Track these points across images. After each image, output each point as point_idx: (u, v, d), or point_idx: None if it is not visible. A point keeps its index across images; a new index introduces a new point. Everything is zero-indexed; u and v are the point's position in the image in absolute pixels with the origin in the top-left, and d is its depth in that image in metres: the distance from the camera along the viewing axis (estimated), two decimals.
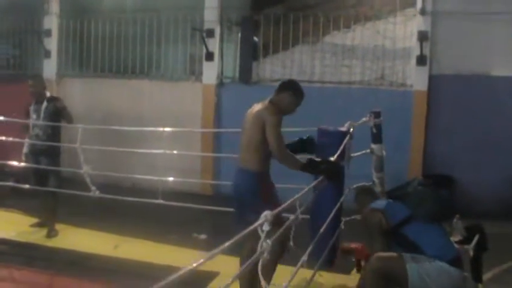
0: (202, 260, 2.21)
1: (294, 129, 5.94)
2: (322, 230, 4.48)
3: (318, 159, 5.07)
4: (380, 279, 4.52)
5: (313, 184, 4.55)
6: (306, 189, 4.13)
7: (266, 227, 2.80)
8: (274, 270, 4.88)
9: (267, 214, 2.85)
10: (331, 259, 5.66)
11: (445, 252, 4.56)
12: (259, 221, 2.81)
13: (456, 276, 4.47)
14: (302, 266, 3.86)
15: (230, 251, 2.44)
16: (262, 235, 2.77)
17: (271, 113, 4.94)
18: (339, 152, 5.16)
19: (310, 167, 4.99)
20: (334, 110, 9.47)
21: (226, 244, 2.42)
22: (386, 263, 4.53)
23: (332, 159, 5.02)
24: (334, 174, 5.01)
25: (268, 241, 2.74)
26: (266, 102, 5.11)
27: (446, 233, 4.89)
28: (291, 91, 5.15)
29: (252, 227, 2.76)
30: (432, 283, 4.36)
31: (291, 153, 5.01)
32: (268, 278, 4.79)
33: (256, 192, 5.04)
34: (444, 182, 9.91)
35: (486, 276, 5.89)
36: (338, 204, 5.15)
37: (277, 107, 5.04)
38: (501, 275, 6.67)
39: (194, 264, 2.15)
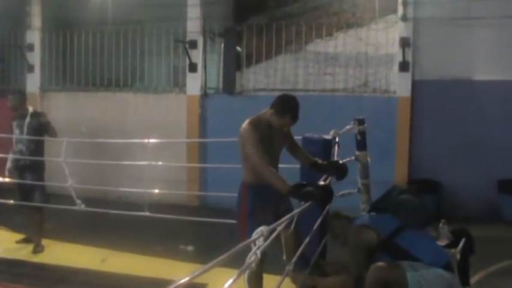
0: (196, 273, 2.20)
1: None
2: (306, 241, 4.44)
3: (304, 183, 4.62)
4: None
5: (297, 211, 4.11)
6: (288, 216, 3.81)
7: (260, 242, 2.80)
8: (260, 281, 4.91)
9: (262, 229, 2.86)
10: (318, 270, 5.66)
11: (439, 258, 4.55)
12: (254, 237, 2.81)
13: (451, 280, 4.48)
14: (287, 275, 3.85)
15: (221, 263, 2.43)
16: (254, 248, 2.76)
17: (245, 129, 4.92)
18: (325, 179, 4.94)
19: (293, 191, 4.56)
20: (319, 118, 9.47)
21: (222, 257, 2.41)
22: (386, 273, 4.49)
23: (321, 182, 4.70)
24: (321, 200, 4.55)
25: (258, 252, 2.74)
26: (254, 116, 5.08)
27: (435, 239, 4.90)
28: (273, 109, 4.98)
29: (246, 242, 2.77)
30: None
31: (272, 170, 4.78)
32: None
33: (239, 202, 5.16)
34: (430, 187, 9.97)
35: (473, 279, 5.92)
36: (323, 213, 5.11)
37: (254, 122, 4.97)
38: (488, 278, 6.70)
39: (187, 278, 2.13)
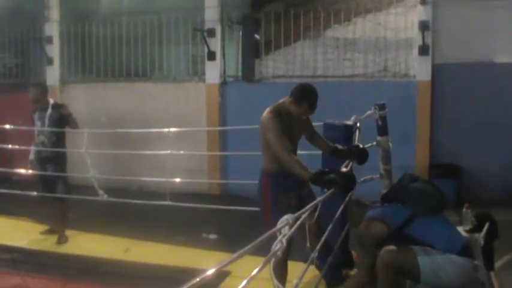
0: (224, 263, 2.20)
1: None
2: (328, 229, 4.42)
3: (326, 170, 4.65)
4: (392, 273, 4.50)
5: (321, 198, 4.17)
6: (312, 203, 3.84)
7: (285, 231, 2.80)
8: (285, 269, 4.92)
9: (288, 218, 2.86)
10: (343, 259, 5.66)
11: (454, 244, 4.52)
12: (280, 225, 2.81)
13: (467, 266, 4.44)
14: (312, 262, 3.85)
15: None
16: (280, 236, 2.76)
17: (266, 118, 4.97)
18: (348, 165, 4.96)
19: (316, 178, 4.60)
20: (339, 103, 9.44)
21: (249, 246, 2.42)
22: (397, 256, 4.50)
23: (344, 169, 4.74)
24: (343, 187, 4.56)
25: (284, 240, 2.74)
26: (275, 104, 5.12)
27: (451, 224, 4.85)
28: (291, 98, 5.01)
29: (272, 231, 2.77)
30: (444, 275, 4.33)
31: (294, 158, 4.84)
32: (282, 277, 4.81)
33: (260, 189, 5.23)
34: (451, 172, 9.91)
35: (498, 263, 5.88)
36: (345, 201, 5.09)
37: (275, 110, 5.01)
38: None
39: (214, 268, 2.14)
